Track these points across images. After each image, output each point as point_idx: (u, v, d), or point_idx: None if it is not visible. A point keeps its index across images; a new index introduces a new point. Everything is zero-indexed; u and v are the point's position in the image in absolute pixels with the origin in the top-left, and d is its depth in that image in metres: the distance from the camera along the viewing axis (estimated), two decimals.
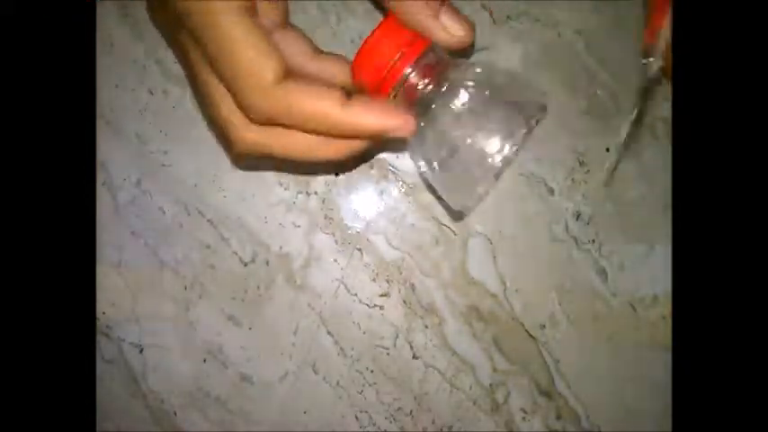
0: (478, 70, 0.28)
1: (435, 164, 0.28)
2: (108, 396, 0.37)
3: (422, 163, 0.29)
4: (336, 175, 0.37)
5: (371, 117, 0.25)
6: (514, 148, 0.27)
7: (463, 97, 0.27)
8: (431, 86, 0.27)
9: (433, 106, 0.27)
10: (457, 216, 0.37)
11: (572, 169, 0.37)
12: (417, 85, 0.27)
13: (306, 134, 0.25)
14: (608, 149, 0.37)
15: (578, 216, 0.37)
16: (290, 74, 0.24)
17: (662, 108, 0.37)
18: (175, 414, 0.37)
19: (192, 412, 0.37)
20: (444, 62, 0.27)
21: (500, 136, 0.27)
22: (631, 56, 0.37)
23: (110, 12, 0.37)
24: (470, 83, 0.27)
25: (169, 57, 0.37)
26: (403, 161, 0.37)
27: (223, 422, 0.37)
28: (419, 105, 0.27)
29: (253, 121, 0.25)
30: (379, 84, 0.27)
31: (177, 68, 0.37)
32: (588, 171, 0.37)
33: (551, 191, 0.37)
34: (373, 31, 0.26)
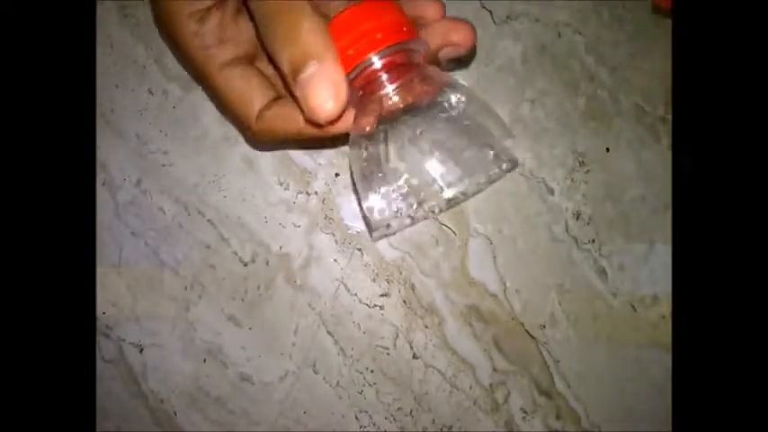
0: (456, 97, 0.24)
1: (374, 175, 0.25)
2: (108, 396, 0.37)
3: (359, 167, 0.26)
4: (336, 175, 0.37)
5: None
6: (460, 192, 0.25)
7: (429, 120, 0.24)
8: (395, 91, 0.23)
9: (396, 118, 0.24)
10: (457, 216, 0.37)
11: (572, 169, 0.37)
12: (379, 79, 0.23)
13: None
14: (608, 149, 0.37)
15: (578, 216, 0.37)
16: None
17: (662, 108, 0.37)
18: (175, 414, 0.37)
19: (192, 412, 0.37)
20: (419, 71, 0.23)
21: (454, 176, 0.24)
22: (631, 55, 0.37)
23: (110, 12, 0.37)
24: (443, 107, 0.24)
25: (169, 57, 0.37)
26: None
27: (223, 422, 0.37)
28: (378, 108, 0.24)
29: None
30: (343, 57, 0.23)
31: (177, 68, 0.37)
32: (588, 171, 0.37)
33: (551, 191, 0.37)
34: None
